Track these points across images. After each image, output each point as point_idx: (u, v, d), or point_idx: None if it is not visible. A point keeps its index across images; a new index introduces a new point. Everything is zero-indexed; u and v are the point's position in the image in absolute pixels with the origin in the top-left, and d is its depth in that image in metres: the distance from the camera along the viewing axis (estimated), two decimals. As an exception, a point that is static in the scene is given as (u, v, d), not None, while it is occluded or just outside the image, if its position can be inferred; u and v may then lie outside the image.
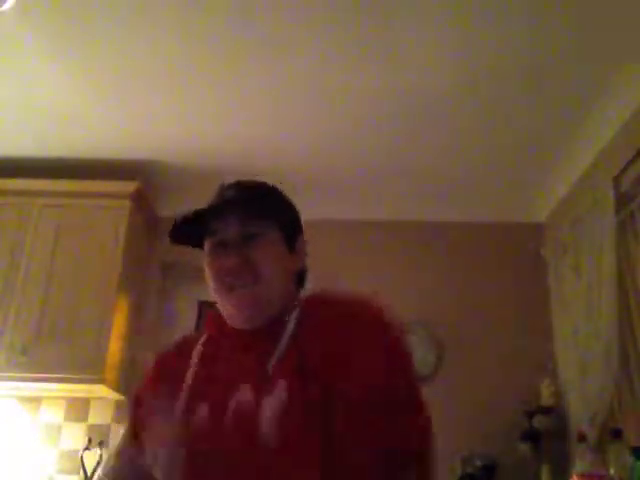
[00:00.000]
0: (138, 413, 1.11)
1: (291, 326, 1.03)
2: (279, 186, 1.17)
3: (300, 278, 1.14)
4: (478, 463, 2.66)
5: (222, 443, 0.95)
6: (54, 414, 2.93)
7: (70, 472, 2.81)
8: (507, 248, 3.14)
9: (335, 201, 3.13)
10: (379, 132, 2.61)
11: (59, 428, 2.91)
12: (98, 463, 2.71)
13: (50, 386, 2.69)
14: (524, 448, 2.61)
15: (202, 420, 0.98)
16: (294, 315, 1.04)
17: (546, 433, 2.60)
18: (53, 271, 2.74)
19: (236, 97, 2.42)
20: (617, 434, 2.04)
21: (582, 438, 2.28)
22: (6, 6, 1.68)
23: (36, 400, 2.94)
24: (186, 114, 2.54)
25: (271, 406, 0.93)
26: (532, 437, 2.61)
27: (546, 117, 2.48)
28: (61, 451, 2.87)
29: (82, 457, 2.74)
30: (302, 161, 2.83)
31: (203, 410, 0.99)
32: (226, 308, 1.07)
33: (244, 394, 0.97)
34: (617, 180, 2.34)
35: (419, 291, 3.06)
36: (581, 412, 2.44)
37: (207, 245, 1.10)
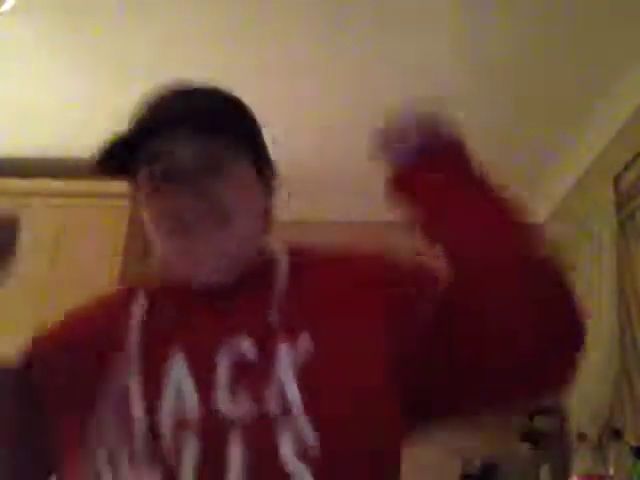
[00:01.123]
0: (45, 379, 0.79)
1: (283, 274, 0.78)
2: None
3: (268, 217, 0.85)
4: (478, 463, 2.66)
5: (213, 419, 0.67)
6: (54, 414, 2.92)
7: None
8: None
9: (335, 201, 3.13)
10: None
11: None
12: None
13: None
14: (524, 448, 2.61)
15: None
16: (282, 265, 0.80)
17: (546, 433, 2.60)
18: (53, 271, 2.74)
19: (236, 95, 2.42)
20: (617, 434, 2.04)
21: (582, 438, 2.28)
22: (6, 6, 1.67)
23: (36, 400, 2.93)
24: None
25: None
26: (532, 437, 2.61)
27: (546, 117, 2.48)
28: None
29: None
30: (302, 161, 2.83)
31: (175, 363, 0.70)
32: (178, 258, 0.76)
33: (242, 345, 0.70)
34: (617, 180, 2.34)
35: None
36: (581, 412, 2.44)
37: (144, 174, 0.78)
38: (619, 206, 2.33)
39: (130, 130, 0.76)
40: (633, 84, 2.21)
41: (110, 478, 0.66)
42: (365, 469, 0.67)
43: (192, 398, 0.68)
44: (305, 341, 0.70)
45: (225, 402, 0.67)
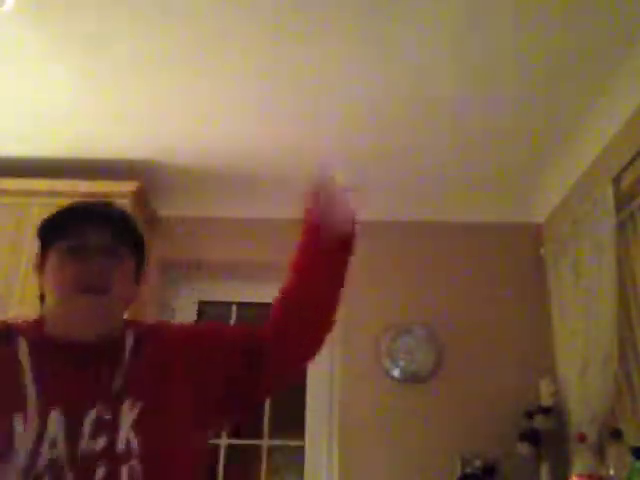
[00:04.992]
0: None
1: (130, 343, 1.10)
2: None
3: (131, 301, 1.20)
4: (478, 463, 2.66)
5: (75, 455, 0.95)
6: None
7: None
8: (507, 248, 3.14)
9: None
10: (379, 131, 2.61)
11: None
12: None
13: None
14: (524, 448, 2.61)
15: (55, 427, 0.96)
16: (130, 335, 1.12)
17: (546, 433, 2.60)
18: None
19: (237, 97, 2.42)
20: (617, 434, 2.04)
21: (582, 438, 2.28)
22: (6, 7, 1.67)
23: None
24: (187, 114, 2.54)
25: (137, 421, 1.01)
26: (532, 437, 2.61)
27: (546, 117, 2.49)
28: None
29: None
30: (303, 160, 2.82)
31: (53, 418, 0.97)
32: (70, 314, 1.06)
33: (99, 410, 1.00)
34: (617, 180, 2.34)
35: (419, 291, 3.06)
36: (581, 412, 2.44)
37: (59, 248, 1.08)
38: (619, 206, 2.33)
39: (75, 210, 1.12)
40: (633, 84, 2.21)
41: None
42: None
43: (62, 446, 0.96)
44: (138, 402, 1.02)
45: (87, 444, 0.97)
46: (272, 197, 3.00)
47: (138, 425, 0.99)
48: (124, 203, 2.86)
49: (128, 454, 0.96)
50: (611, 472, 2.00)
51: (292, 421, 2.98)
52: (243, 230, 3.14)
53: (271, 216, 3.04)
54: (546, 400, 2.71)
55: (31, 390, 0.99)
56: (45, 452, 0.93)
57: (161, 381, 1.08)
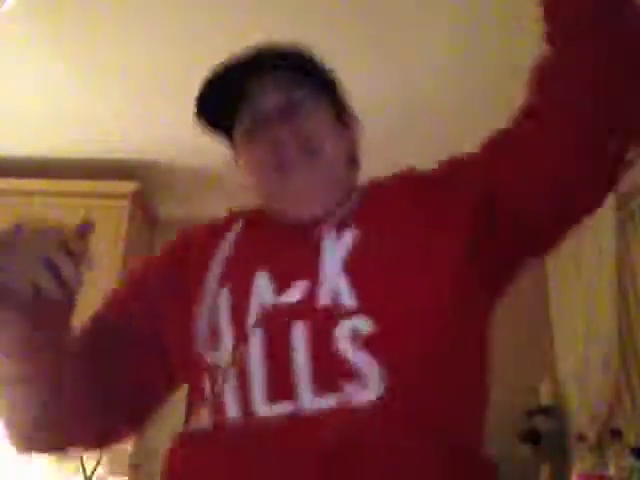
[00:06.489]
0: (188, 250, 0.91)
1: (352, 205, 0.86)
2: None
3: (352, 160, 0.93)
4: (478, 463, 2.66)
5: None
6: (54, 414, 2.92)
7: (70, 472, 2.81)
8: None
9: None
10: (378, 132, 2.61)
11: (59, 428, 2.90)
12: (98, 463, 2.71)
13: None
14: (524, 448, 2.61)
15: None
16: (354, 198, 0.87)
17: (546, 433, 2.60)
18: (53, 271, 2.74)
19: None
20: (617, 434, 2.04)
21: (582, 438, 2.28)
22: (6, 7, 1.67)
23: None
24: (187, 114, 2.54)
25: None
26: (532, 437, 2.60)
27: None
28: (61, 451, 2.86)
29: (82, 457, 2.74)
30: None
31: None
32: (278, 195, 0.85)
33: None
34: (617, 180, 2.34)
35: (419, 291, 3.07)
36: (581, 412, 2.44)
37: (241, 127, 0.87)
38: (619, 206, 2.33)
39: (223, 73, 0.83)
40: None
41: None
42: (443, 364, 0.72)
43: (269, 296, 0.76)
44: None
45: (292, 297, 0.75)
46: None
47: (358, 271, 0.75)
48: (124, 203, 2.86)
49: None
50: (611, 472, 2.00)
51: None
52: (243, 230, 3.14)
53: (271, 216, 3.04)
54: (546, 400, 2.71)
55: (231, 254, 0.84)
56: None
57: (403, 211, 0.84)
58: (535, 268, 3.04)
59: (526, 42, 2.10)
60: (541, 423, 2.62)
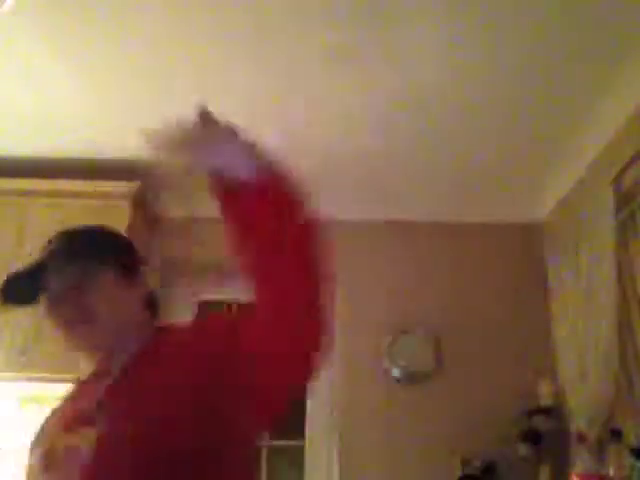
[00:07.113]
0: None
1: (130, 349, 1.06)
2: (106, 225, 1.24)
3: (151, 302, 1.17)
4: (478, 463, 2.66)
5: None
6: (54, 414, 2.92)
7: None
8: (507, 248, 3.14)
9: (334, 201, 3.13)
10: (377, 133, 2.61)
11: (59, 428, 2.90)
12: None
13: (50, 386, 2.68)
14: (524, 448, 2.61)
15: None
16: (133, 340, 1.07)
17: (546, 433, 2.60)
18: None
19: (237, 98, 2.42)
20: (617, 434, 2.04)
21: (582, 438, 2.28)
22: (6, 7, 1.67)
23: (36, 400, 2.93)
24: (187, 114, 2.54)
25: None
26: (532, 437, 2.61)
27: (546, 117, 2.48)
28: (61, 451, 2.86)
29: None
30: (302, 161, 2.82)
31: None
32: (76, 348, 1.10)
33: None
34: (617, 180, 2.34)
35: (419, 291, 3.06)
36: (581, 412, 2.44)
37: (44, 301, 1.08)
38: (619, 206, 2.33)
39: (24, 272, 1.07)
40: (633, 84, 2.21)
41: None
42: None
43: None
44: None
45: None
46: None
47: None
48: (124, 203, 2.86)
49: None
50: (611, 472, 2.00)
51: (292, 421, 2.98)
52: (243, 230, 3.13)
53: (271, 216, 3.03)
54: (546, 400, 2.71)
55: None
56: None
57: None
58: (535, 268, 3.04)
59: (526, 41, 2.10)
60: (541, 423, 2.62)
